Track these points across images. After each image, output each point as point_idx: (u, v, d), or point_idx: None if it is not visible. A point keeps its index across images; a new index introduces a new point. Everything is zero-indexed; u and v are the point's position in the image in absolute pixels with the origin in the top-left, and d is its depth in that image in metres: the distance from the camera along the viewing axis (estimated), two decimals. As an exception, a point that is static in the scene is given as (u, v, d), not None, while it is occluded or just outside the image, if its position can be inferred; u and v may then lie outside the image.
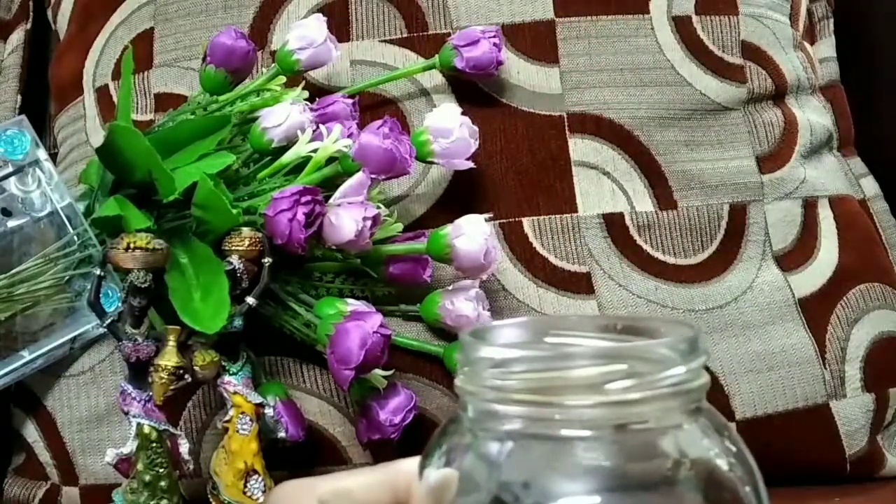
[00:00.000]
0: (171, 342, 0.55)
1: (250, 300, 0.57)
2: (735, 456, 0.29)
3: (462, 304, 0.61)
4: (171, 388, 0.55)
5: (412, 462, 0.31)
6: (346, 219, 0.57)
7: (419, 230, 0.64)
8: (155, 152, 0.58)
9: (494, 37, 0.66)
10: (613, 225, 0.66)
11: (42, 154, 0.65)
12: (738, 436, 0.30)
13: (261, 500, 0.56)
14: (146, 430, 0.55)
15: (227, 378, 0.58)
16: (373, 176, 0.58)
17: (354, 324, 0.55)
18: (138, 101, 0.71)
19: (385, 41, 0.69)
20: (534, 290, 0.65)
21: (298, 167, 0.61)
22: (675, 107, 0.68)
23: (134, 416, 0.55)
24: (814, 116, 0.73)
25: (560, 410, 0.27)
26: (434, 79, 0.68)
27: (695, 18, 0.71)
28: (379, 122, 0.59)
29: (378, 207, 0.59)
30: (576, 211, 0.66)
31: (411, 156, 0.60)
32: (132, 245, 0.54)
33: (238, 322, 0.57)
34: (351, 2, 0.70)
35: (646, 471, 0.28)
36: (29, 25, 0.82)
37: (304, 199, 0.56)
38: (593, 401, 0.27)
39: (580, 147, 0.67)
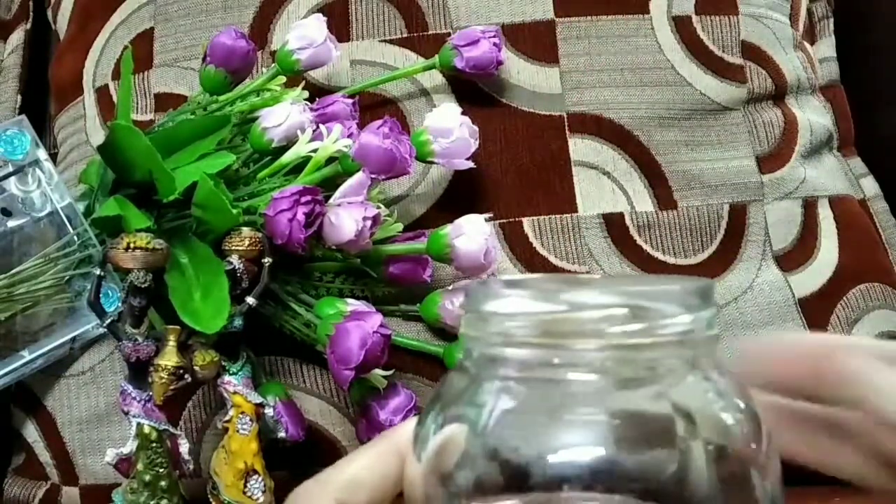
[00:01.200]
0: (171, 342, 0.55)
1: (250, 300, 0.57)
2: (743, 412, 0.28)
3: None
4: (171, 388, 0.55)
5: (411, 424, 0.31)
6: (346, 219, 0.57)
7: (419, 230, 0.64)
8: (155, 152, 0.58)
9: (494, 37, 0.66)
10: (613, 225, 0.66)
11: (42, 154, 0.65)
12: (749, 394, 0.29)
13: (261, 500, 0.56)
14: (146, 429, 0.55)
15: (227, 378, 0.58)
16: (373, 176, 0.58)
17: (354, 324, 0.55)
18: (138, 101, 0.71)
19: (385, 41, 0.69)
20: (534, 290, 0.65)
21: (298, 167, 0.61)
22: (675, 107, 0.68)
23: (134, 416, 0.55)
24: (814, 116, 0.73)
25: (564, 353, 0.27)
26: (434, 79, 0.68)
27: (695, 18, 0.71)
28: (379, 122, 0.59)
29: (378, 207, 0.59)
30: (576, 211, 0.66)
31: (411, 156, 0.60)
32: (132, 245, 0.54)
33: (238, 322, 0.57)
34: (351, 2, 0.70)
35: (650, 420, 0.28)
36: (29, 25, 0.82)
37: (304, 199, 0.56)
38: (598, 344, 0.27)
39: (580, 147, 0.67)
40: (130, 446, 0.54)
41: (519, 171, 0.66)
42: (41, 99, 0.80)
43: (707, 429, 0.28)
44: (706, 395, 0.28)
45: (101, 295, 0.58)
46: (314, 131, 0.61)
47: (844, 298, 0.69)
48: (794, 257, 0.69)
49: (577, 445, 0.27)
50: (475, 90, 0.68)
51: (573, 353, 0.27)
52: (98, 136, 0.71)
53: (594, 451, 0.26)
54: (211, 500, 0.58)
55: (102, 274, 0.57)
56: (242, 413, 0.57)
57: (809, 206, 0.70)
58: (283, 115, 0.61)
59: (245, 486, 0.56)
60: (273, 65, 0.66)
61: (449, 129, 0.62)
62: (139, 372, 0.55)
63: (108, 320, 0.55)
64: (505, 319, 0.28)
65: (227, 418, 0.57)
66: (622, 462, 0.26)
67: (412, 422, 0.31)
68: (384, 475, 0.31)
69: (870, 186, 0.77)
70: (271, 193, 0.58)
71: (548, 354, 0.27)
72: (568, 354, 0.27)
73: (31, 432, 0.68)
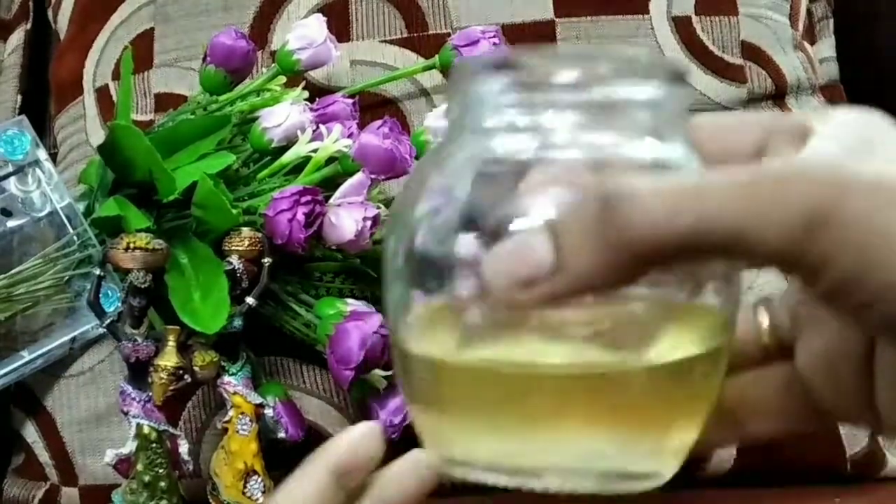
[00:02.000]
0: (171, 342, 0.55)
1: (250, 300, 0.57)
2: None
3: (462, 305, 0.61)
4: (171, 388, 0.55)
5: (343, 439, 0.32)
6: (346, 219, 0.57)
7: (419, 230, 0.64)
8: (155, 152, 0.58)
9: (494, 37, 0.66)
10: (613, 225, 0.66)
11: (42, 154, 0.65)
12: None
13: (260, 500, 0.56)
14: (146, 430, 0.55)
15: (226, 378, 0.58)
16: (373, 176, 0.58)
17: (354, 324, 0.56)
18: (138, 102, 0.71)
19: (385, 41, 0.69)
20: (534, 290, 0.65)
21: (298, 167, 0.61)
22: (676, 107, 0.68)
23: (134, 417, 0.55)
24: (814, 116, 0.73)
25: (545, 90, 0.27)
26: (434, 79, 0.68)
27: (694, 19, 0.71)
28: (379, 122, 0.59)
29: (378, 207, 0.59)
30: (576, 211, 0.66)
31: (411, 156, 0.60)
32: (132, 245, 0.54)
33: (238, 322, 0.57)
34: (351, 2, 0.70)
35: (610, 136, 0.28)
36: (29, 25, 0.82)
37: (304, 199, 0.56)
38: (574, 93, 0.27)
39: (580, 147, 0.67)
40: (130, 447, 0.54)
41: (519, 171, 0.66)
42: (41, 99, 0.80)
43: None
44: (679, 160, 0.28)
45: (100, 295, 0.58)
46: (314, 131, 0.61)
47: (844, 299, 0.68)
48: (794, 257, 0.68)
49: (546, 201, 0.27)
50: (475, 90, 0.68)
51: (549, 100, 0.27)
52: (98, 137, 0.71)
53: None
54: (211, 500, 0.58)
55: (102, 274, 0.57)
56: (242, 413, 0.57)
57: (809, 206, 0.70)
58: (283, 115, 0.61)
59: (245, 487, 0.56)
60: (273, 65, 0.66)
61: (449, 129, 0.62)
62: (139, 372, 0.55)
63: (108, 320, 0.56)
64: (491, 90, 0.28)
65: (226, 419, 0.57)
66: None
67: (345, 437, 0.33)
68: (320, 495, 0.32)
69: (869, 186, 0.77)
70: (271, 193, 0.58)
71: (527, 100, 0.27)
72: (545, 101, 0.27)
73: (31, 432, 0.68)
